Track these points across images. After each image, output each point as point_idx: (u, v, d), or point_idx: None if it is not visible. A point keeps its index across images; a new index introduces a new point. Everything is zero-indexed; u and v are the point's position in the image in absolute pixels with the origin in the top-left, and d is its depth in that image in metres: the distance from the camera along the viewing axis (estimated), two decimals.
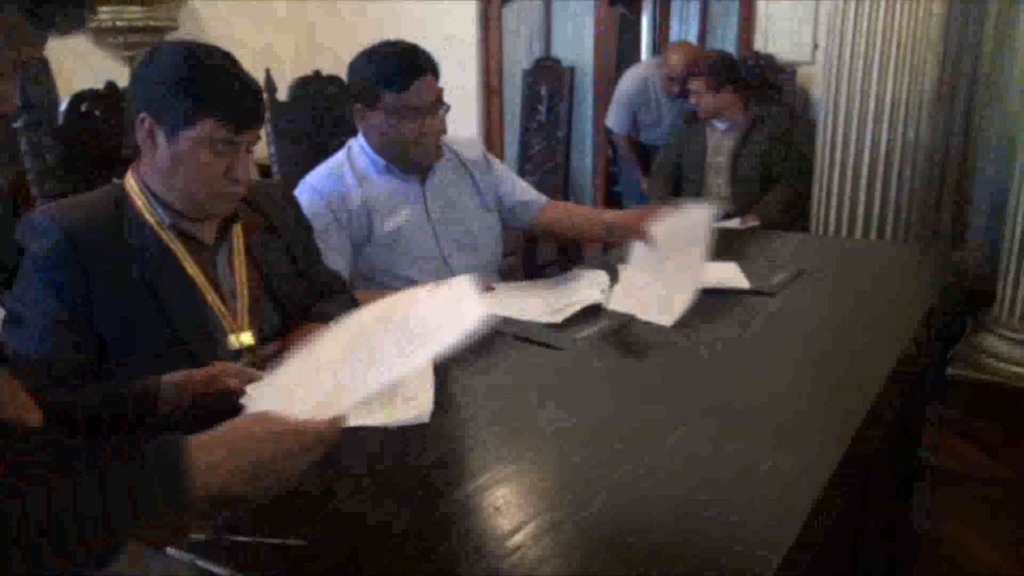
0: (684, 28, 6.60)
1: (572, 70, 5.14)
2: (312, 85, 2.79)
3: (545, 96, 5.21)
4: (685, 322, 1.97)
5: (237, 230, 1.70)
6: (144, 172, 1.60)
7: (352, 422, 1.23)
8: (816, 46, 4.37)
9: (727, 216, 3.82)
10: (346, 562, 1.10)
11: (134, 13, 4.29)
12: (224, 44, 1.62)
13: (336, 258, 2.16)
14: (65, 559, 0.75)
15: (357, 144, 2.32)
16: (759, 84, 4.31)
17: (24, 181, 2.03)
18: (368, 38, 2.31)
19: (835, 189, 3.69)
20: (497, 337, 1.89)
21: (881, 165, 3.57)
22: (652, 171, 4.30)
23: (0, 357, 1.44)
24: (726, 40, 5.47)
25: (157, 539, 1.04)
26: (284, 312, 1.74)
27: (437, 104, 2.21)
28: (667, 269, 2.15)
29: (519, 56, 5.49)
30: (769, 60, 4.45)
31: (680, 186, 4.10)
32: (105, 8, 4.23)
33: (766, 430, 1.42)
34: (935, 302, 2.17)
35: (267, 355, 1.64)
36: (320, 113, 2.77)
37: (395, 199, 2.28)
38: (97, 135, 2.05)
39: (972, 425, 3.24)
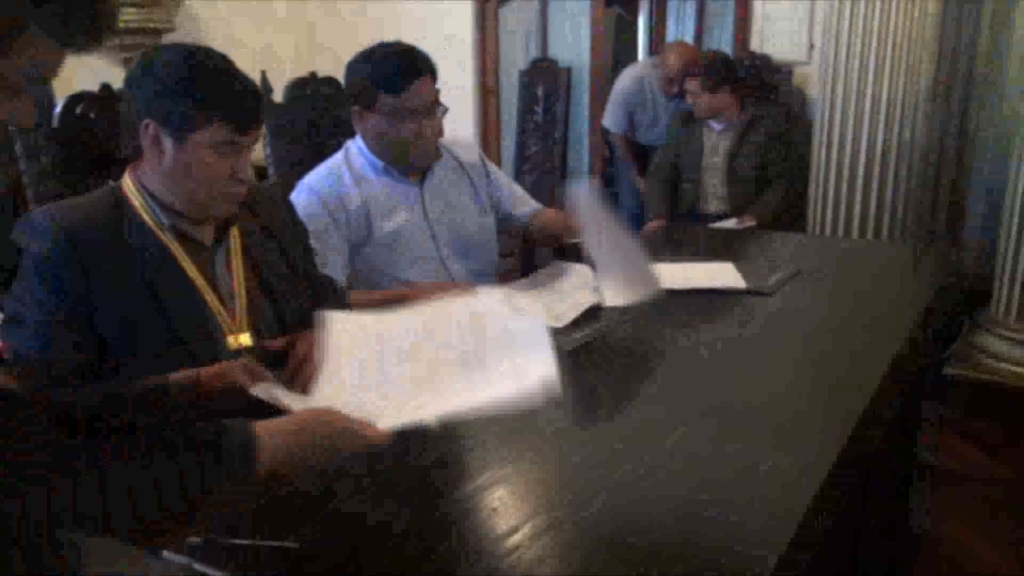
0: (680, 28, 6.59)
1: (569, 70, 5.13)
2: (308, 86, 2.79)
3: (542, 97, 5.21)
4: (685, 322, 1.97)
5: (235, 231, 1.70)
6: (142, 174, 1.59)
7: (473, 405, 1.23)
8: (812, 46, 4.38)
9: (724, 216, 3.83)
10: (346, 562, 1.10)
11: (131, 15, 4.27)
12: (223, 45, 1.62)
13: (335, 258, 2.16)
14: (65, 559, 0.75)
15: (355, 145, 2.32)
16: (756, 84, 4.32)
17: (20, 183, 2.02)
18: (367, 38, 2.31)
19: (831, 189, 3.69)
20: None
21: (877, 165, 3.58)
22: (649, 171, 4.30)
23: None
24: (722, 40, 5.47)
25: (156, 540, 1.04)
26: (282, 313, 1.74)
27: (435, 106, 2.21)
28: (613, 250, 2.13)
29: (516, 57, 5.48)
30: (765, 60, 4.46)
31: (677, 186, 4.10)
32: None
33: (766, 430, 1.42)
34: (932, 302, 2.17)
35: (273, 348, 1.64)
36: (316, 114, 2.76)
37: (393, 200, 2.28)
38: (93, 137, 2.04)
39: (972, 425, 3.24)
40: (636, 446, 1.37)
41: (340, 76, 2.34)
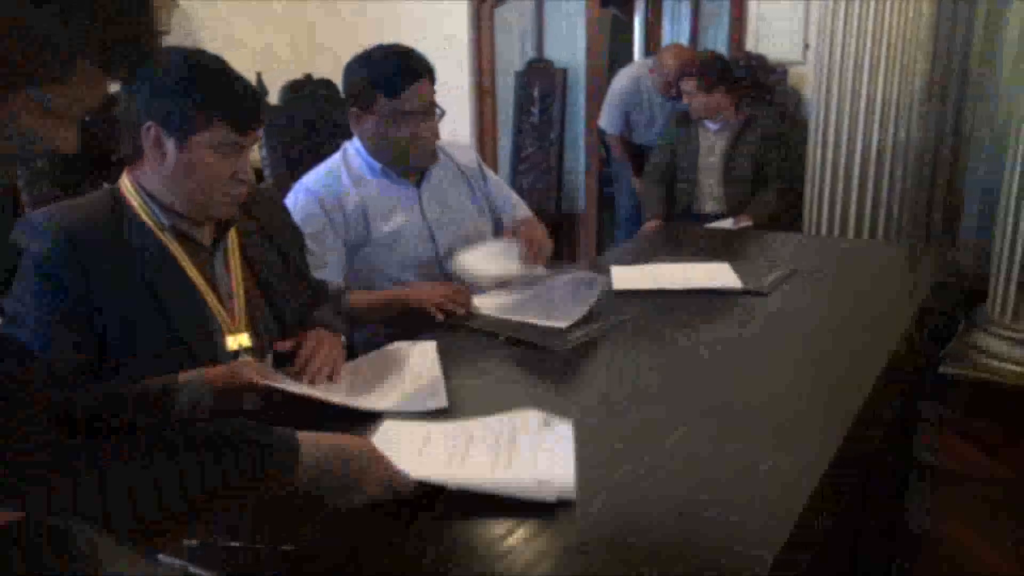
0: (676, 29, 6.60)
1: (565, 71, 5.15)
2: (305, 88, 2.78)
3: (538, 97, 5.22)
4: (685, 322, 1.97)
5: (233, 232, 1.71)
6: (141, 175, 1.60)
7: (365, 405, 1.53)
8: (807, 46, 4.38)
9: (721, 216, 3.83)
10: (346, 562, 1.10)
11: None
12: (221, 46, 1.62)
13: (333, 259, 2.16)
14: (65, 559, 0.75)
15: (353, 147, 2.32)
16: (751, 84, 4.32)
17: (15, 185, 2.02)
18: (364, 39, 2.31)
19: (827, 189, 3.70)
20: (491, 339, 1.89)
21: (873, 165, 3.58)
22: (645, 172, 4.30)
23: None
24: (718, 41, 5.48)
25: (156, 542, 1.04)
26: (280, 313, 1.74)
27: (432, 108, 2.21)
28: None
29: (512, 57, 5.48)
30: (761, 60, 4.46)
31: (673, 187, 4.10)
32: None
33: (766, 430, 1.42)
34: (928, 301, 2.17)
35: (284, 349, 1.67)
36: (313, 116, 2.76)
37: (391, 202, 2.27)
38: (91, 138, 2.03)
39: (972, 425, 3.24)
40: (636, 446, 1.37)
41: (338, 77, 2.34)
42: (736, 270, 2.32)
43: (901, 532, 2.59)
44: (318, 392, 1.55)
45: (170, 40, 4.29)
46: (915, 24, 3.47)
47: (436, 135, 2.26)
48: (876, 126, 3.55)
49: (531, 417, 1.45)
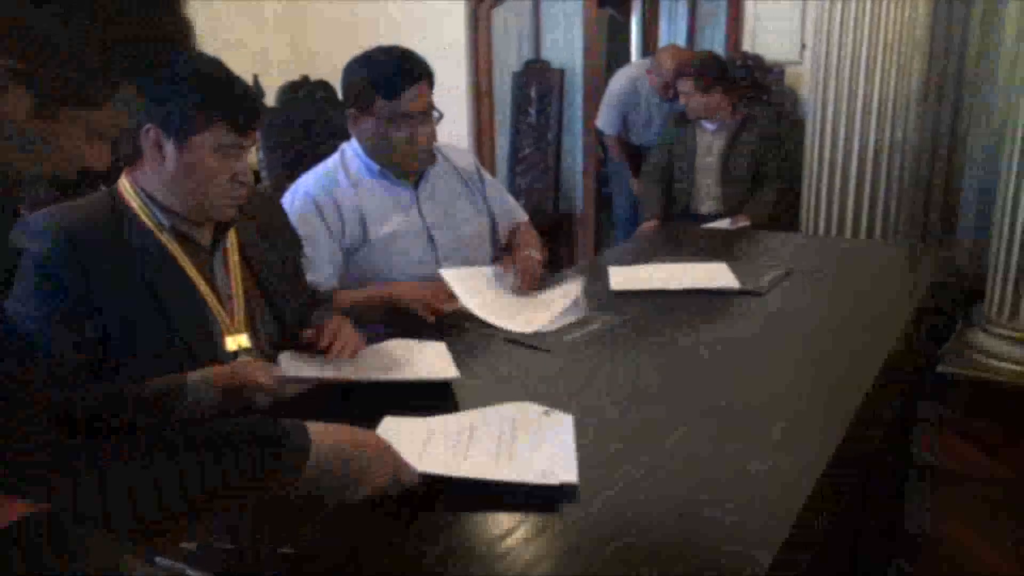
0: (673, 29, 6.59)
1: (562, 72, 5.14)
2: (301, 89, 2.78)
3: (535, 98, 5.21)
4: (685, 322, 1.97)
5: (232, 233, 1.71)
6: (140, 176, 1.60)
7: (378, 377, 1.60)
8: (804, 46, 4.38)
9: (718, 216, 3.84)
10: (346, 562, 1.10)
11: None
12: (219, 48, 1.62)
13: (326, 261, 2.16)
14: (65, 559, 0.75)
15: (351, 149, 2.31)
16: (748, 84, 4.32)
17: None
18: (361, 40, 2.31)
19: (824, 188, 3.71)
20: (490, 339, 1.89)
21: (870, 164, 3.59)
22: (642, 172, 4.30)
23: None
24: (715, 41, 5.48)
25: (157, 542, 1.04)
26: (280, 313, 1.74)
27: (430, 111, 2.21)
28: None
29: (509, 58, 5.48)
30: (757, 60, 4.47)
31: (671, 187, 4.10)
32: None
33: (766, 430, 1.42)
34: (926, 300, 2.17)
35: (308, 339, 1.68)
36: (310, 117, 2.76)
37: (389, 203, 2.27)
38: None
39: (972, 425, 3.24)
40: (636, 446, 1.37)
41: (335, 79, 2.34)
42: (734, 270, 2.32)
43: (901, 532, 2.59)
44: (329, 373, 1.57)
45: None
46: (911, 24, 3.47)
47: (433, 137, 2.26)
48: (873, 126, 3.56)
49: (531, 408, 1.47)
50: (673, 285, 2.22)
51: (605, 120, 4.88)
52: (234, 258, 1.70)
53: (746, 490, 1.24)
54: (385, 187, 2.28)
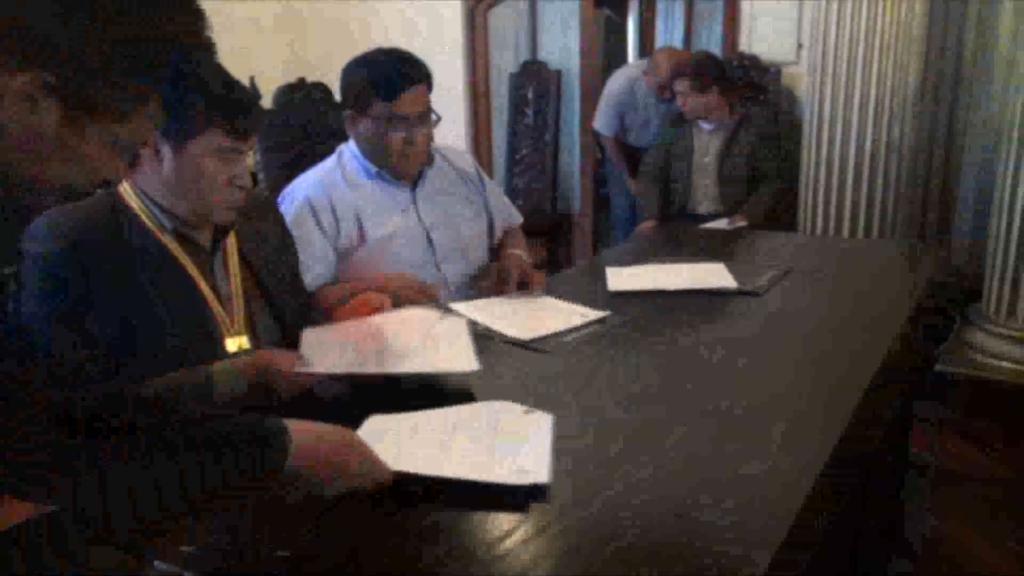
0: (670, 29, 6.60)
1: (559, 73, 5.14)
2: (298, 91, 2.78)
3: (532, 99, 5.22)
4: (685, 322, 1.97)
5: (232, 235, 1.71)
6: (139, 178, 1.59)
7: (396, 370, 1.60)
8: (800, 46, 4.39)
9: (716, 216, 3.84)
10: (346, 562, 1.10)
11: None
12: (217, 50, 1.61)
13: (318, 261, 2.16)
14: (65, 559, 0.75)
15: (348, 150, 2.31)
16: (745, 84, 4.33)
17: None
18: (358, 40, 2.31)
19: (821, 188, 3.71)
20: (489, 340, 1.89)
21: (867, 164, 3.60)
22: (640, 172, 4.30)
23: None
24: (712, 41, 5.49)
25: (157, 542, 1.04)
26: (280, 314, 1.74)
27: (427, 114, 2.20)
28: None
29: (506, 59, 5.48)
30: (754, 60, 4.47)
31: (668, 187, 4.10)
32: None
33: (765, 430, 1.42)
34: (923, 300, 2.17)
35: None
36: (307, 119, 2.76)
37: (386, 205, 2.27)
38: None
39: (972, 425, 3.24)
40: (636, 446, 1.37)
41: (332, 80, 2.33)
42: (732, 270, 2.32)
43: (901, 532, 2.59)
44: (352, 368, 1.58)
45: None
46: (908, 24, 3.48)
47: (431, 140, 2.26)
48: (870, 126, 3.56)
49: (512, 407, 1.48)
50: (670, 285, 2.22)
51: (602, 122, 4.88)
52: (234, 259, 1.70)
53: (746, 490, 1.23)
54: (382, 188, 2.28)
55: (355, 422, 1.41)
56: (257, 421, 1.11)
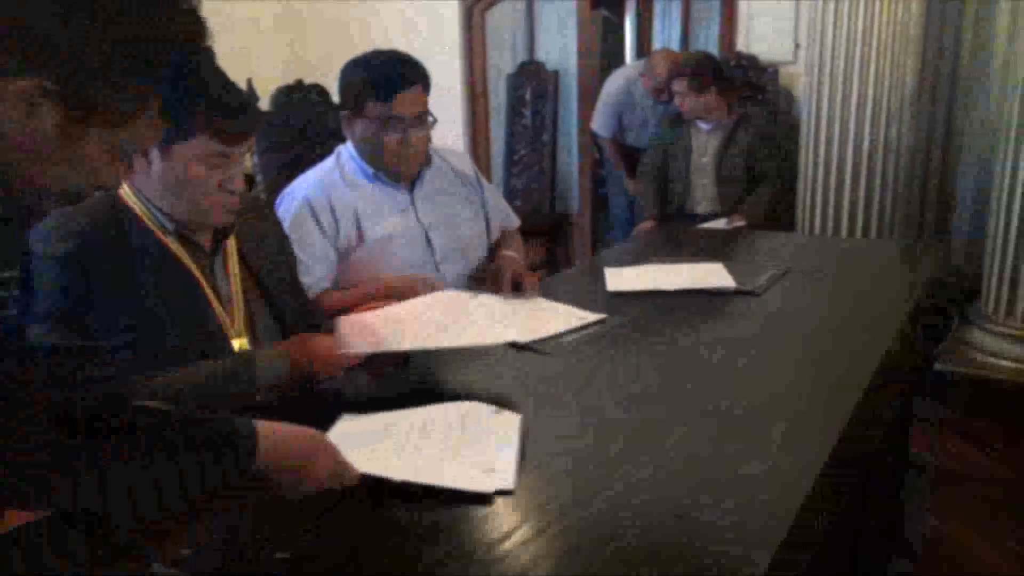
0: (667, 29, 6.60)
1: (556, 73, 5.14)
2: (296, 93, 2.78)
3: (530, 100, 5.22)
4: (684, 322, 1.97)
5: (232, 237, 1.70)
6: (137, 180, 1.59)
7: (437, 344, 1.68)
8: (798, 46, 4.39)
9: (714, 216, 3.84)
10: (346, 562, 1.10)
11: None
12: (216, 51, 1.60)
13: (317, 263, 2.16)
14: (65, 559, 0.75)
15: (347, 151, 2.31)
16: (743, 84, 4.33)
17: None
18: (355, 41, 2.31)
19: (820, 188, 3.71)
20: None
21: (865, 164, 3.60)
22: (639, 171, 4.29)
23: None
24: (709, 41, 5.49)
25: (157, 541, 1.04)
26: (280, 314, 1.74)
27: (424, 116, 2.20)
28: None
29: (503, 60, 5.48)
30: (752, 60, 4.48)
31: (666, 187, 4.10)
32: None
33: (765, 430, 1.42)
34: (923, 299, 2.17)
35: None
36: (304, 121, 2.76)
37: (384, 205, 2.27)
38: None
39: (972, 425, 3.24)
40: (636, 446, 1.37)
41: (330, 82, 2.33)
42: (730, 270, 2.32)
43: (901, 532, 2.59)
44: (394, 345, 1.61)
45: None
46: (905, 24, 3.48)
47: (428, 140, 2.25)
48: (868, 125, 3.57)
49: (482, 408, 1.49)
50: (669, 286, 2.22)
51: (600, 123, 4.88)
52: (234, 259, 1.70)
53: (745, 490, 1.23)
54: (380, 189, 2.27)
55: (329, 421, 1.43)
56: (225, 421, 1.11)
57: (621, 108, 4.81)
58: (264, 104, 2.69)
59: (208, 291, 1.61)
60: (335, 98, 2.31)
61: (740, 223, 3.67)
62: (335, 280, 2.22)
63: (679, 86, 3.95)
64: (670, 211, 4.06)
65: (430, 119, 2.21)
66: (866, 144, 3.57)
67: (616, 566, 1.07)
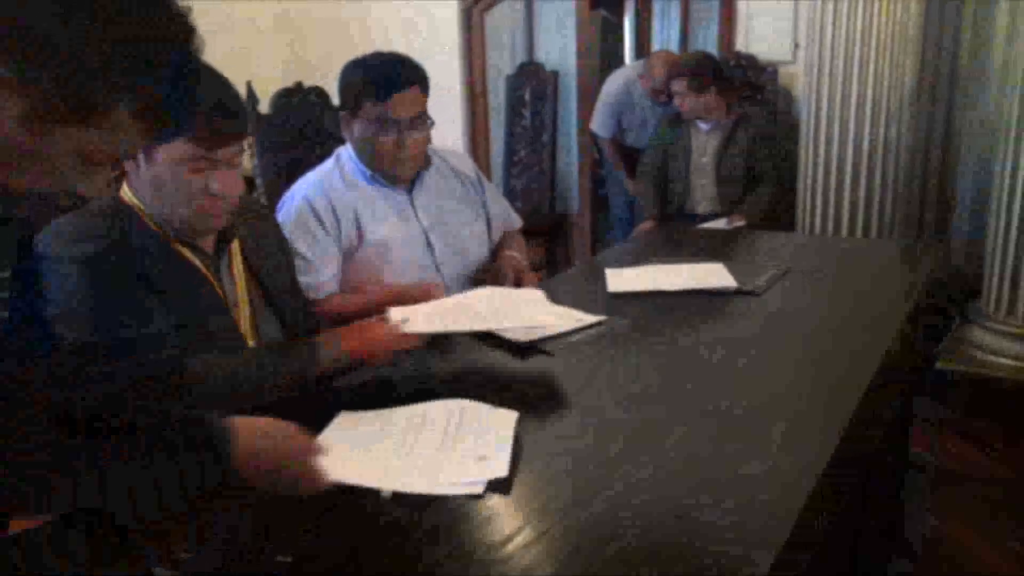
0: (666, 30, 6.60)
1: (556, 74, 5.14)
2: (295, 96, 2.78)
3: (529, 100, 5.22)
4: (684, 322, 1.97)
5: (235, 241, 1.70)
6: (135, 184, 1.59)
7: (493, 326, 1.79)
8: (797, 46, 4.39)
9: (714, 216, 3.84)
10: (346, 562, 1.10)
11: None
12: (210, 53, 1.59)
13: (326, 262, 2.15)
14: (65, 559, 0.75)
15: (346, 152, 2.30)
16: (742, 84, 4.33)
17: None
18: (354, 42, 2.31)
19: (819, 188, 3.72)
20: (489, 340, 1.89)
21: (864, 163, 3.60)
22: (639, 171, 4.29)
23: None
24: (708, 41, 5.48)
25: (157, 542, 1.04)
26: (282, 314, 1.74)
27: (421, 118, 2.19)
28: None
29: (503, 61, 5.48)
30: (751, 60, 4.48)
31: (666, 188, 4.10)
32: None
33: (766, 430, 1.42)
34: (923, 299, 2.17)
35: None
36: (304, 123, 2.76)
37: (384, 207, 2.26)
38: None
39: (972, 425, 3.23)
40: (636, 446, 1.37)
41: (329, 84, 2.33)
42: (731, 270, 2.32)
43: (901, 532, 2.59)
44: (452, 327, 1.72)
45: None
46: (904, 24, 3.49)
47: (427, 142, 2.25)
48: (867, 125, 3.57)
49: (480, 404, 1.50)
50: (669, 286, 2.22)
51: (600, 123, 4.89)
52: (237, 261, 1.69)
53: (746, 490, 1.23)
54: (379, 191, 2.26)
55: (327, 420, 1.43)
56: (200, 420, 1.10)
57: (620, 108, 4.81)
58: (264, 106, 2.69)
59: (220, 293, 1.61)
60: (334, 100, 2.30)
61: (740, 223, 3.67)
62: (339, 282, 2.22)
63: (678, 86, 3.95)
64: (670, 211, 4.05)
65: (428, 121, 2.21)
66: (866, 144, 3.58)
67: (616, 566, 1.07)
